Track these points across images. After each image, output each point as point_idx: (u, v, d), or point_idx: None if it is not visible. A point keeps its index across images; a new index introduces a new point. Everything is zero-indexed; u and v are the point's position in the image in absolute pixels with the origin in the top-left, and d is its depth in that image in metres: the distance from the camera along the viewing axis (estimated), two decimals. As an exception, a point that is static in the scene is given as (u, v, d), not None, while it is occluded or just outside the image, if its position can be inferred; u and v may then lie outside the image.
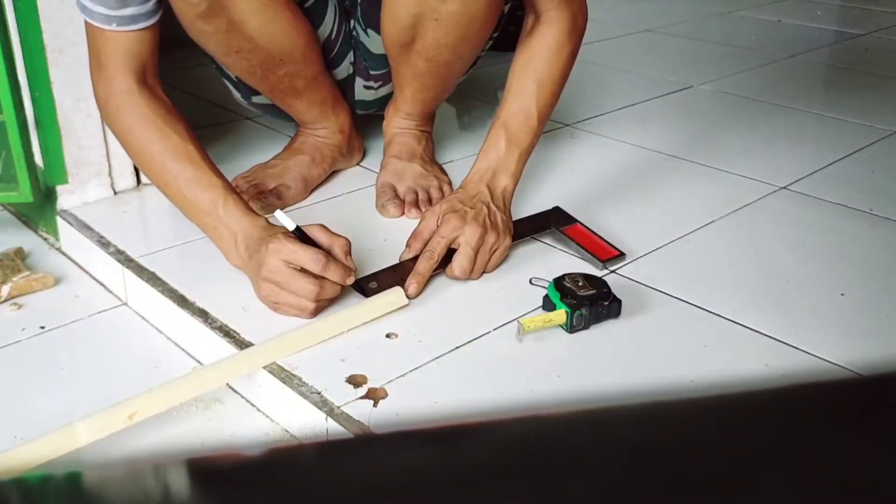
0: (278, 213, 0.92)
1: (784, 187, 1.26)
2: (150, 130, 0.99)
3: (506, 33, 1.24)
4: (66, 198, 1.17)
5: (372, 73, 1.26)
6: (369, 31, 1.21)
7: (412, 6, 1.05)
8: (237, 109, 1.47)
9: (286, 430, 0.84)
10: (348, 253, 0.93)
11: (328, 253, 0.90)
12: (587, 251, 1.03)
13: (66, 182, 1.16)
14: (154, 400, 0.82)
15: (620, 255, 1.03)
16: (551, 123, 1.51)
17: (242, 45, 1.07)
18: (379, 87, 1.28)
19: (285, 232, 0.92)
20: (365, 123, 1.37)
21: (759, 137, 1.48)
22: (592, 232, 1.07)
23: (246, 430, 0.84)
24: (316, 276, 0.89)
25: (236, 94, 1.26)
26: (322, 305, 0.92)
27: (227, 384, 0.89)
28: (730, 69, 1.88)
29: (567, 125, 1.51)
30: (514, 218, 1.06)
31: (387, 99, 1.28)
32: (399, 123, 1.25)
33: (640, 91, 1.71)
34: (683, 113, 1.61)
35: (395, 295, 0.93)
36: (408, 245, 1.02)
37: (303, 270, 0.89)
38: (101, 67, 1.00)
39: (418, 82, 1.17)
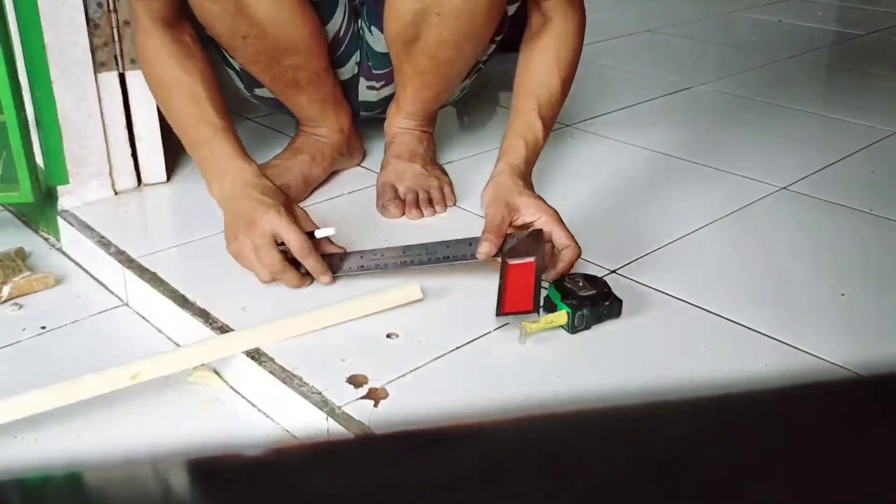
0: (317, 233, 0.98)
1: (784, 187, 1.26)
2: (164, 69, 1.06)
3: (511, 34, 1.24)
4: (66, 198, 1.17)
5: (374, 71, 1.26)
6: (373, 28, 1.21)
7: (415, 2, 1.06)
8: (238, 110, 1.47)
9: (286, 430, 0.84)
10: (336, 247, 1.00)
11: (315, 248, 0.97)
12: (501, 291, 0.89)
13: (66, 182, 1.16)
14: (159, 362, 0.86)
15: (527, 312, 0.86)
16: (551, 123, 1.51)
17: (249, 29, 1.07)
18: (381, 86, 1.28)
19: (287, 202, 0.99)
20: (365, 125, 1.36)
21: (759, 137, 1.48)
22: (536, 277, 0.89)
23: (246, 430, 0.84)
24: (288, 259, 0.96)
25: (239, 85, 1.27)
26: (273, 282, 0.97)
27: (228, 385, 0.89)
28: (730, 69, 1.88)
29: (567, 125, 1.51)
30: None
31: (389, 100, 1.29)
32: (400, 123, 1.25)
33: (640, 91, 1.71)
34: (683, 113, 1.61)
35: (409, 288, 0.93)
36: (486, 239, 0.93)
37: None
38: (132, 12, 1.08)
39: (420, 80, 1.17)
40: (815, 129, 1.55)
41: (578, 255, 0.95)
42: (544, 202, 0.98)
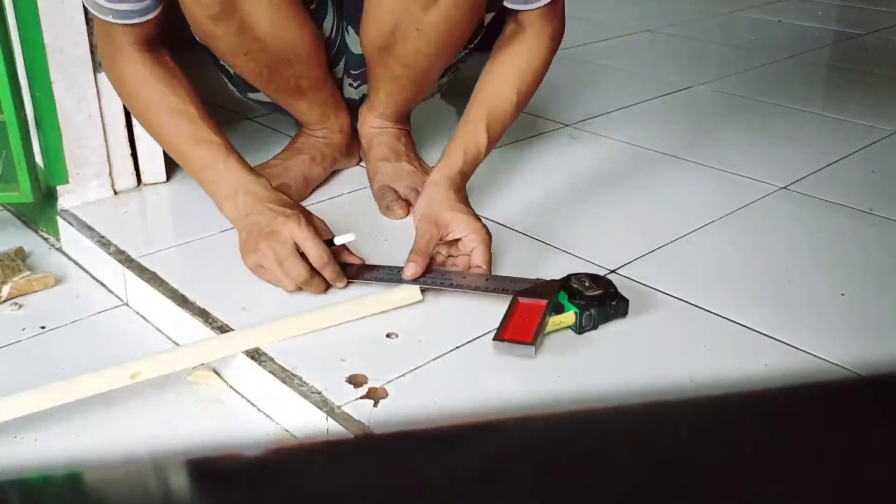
0: (337, 239, 0.97)
1: (784, 187, 1.26)
2: (150, 92, 1.04)
3: (494, 33, 1.24)
4: (66, 198, 1.17)
5: (352, 71, 1.26)
6: (350, 28, 1.20)
7: (394, 11, 1.05)
8: (237, 109, 1.47)
9: (286, 430, 0.84)
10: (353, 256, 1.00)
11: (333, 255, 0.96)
12: (505, 320, 0.87)
13: (66, 182, 1.16)
14: (158, 362, 0.86)
15: (523, 344, 0.84)
16: (551, 123, 1.51)
17: (252, 46, 1.07)
18: (359, 85, 1.28)
19: (305, 213, 0.99)
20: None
21: (759, 137, 1.48)
22: (542, 318, 0.87)
23: (246, 430, 0.85)
24: (312, 268, 0.95)
25: (232, 89, 1.26)
26: (298, 291, 0.96)
27: (228, 385, 0.89)
28: (730, 69, 1.88)
29: (567, 125, 1.51)
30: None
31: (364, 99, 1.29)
32: (374, 123, 1.25)
33: (640, 91, 1.71)
34: (683, 113, 1.61)
35: (410, 290, 0.93)
36: (411, 260, 0.95)
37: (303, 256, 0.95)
38: (108, 36, 1.04)
39: (394, 85, 1.17)
40: (815, 129, 1.55)
41: (467, 271, 0.97)
42: (475, 218, 0.98)
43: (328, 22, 1.19)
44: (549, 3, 1.05)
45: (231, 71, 1.20)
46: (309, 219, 0.98)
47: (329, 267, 0.95)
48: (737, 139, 1.47)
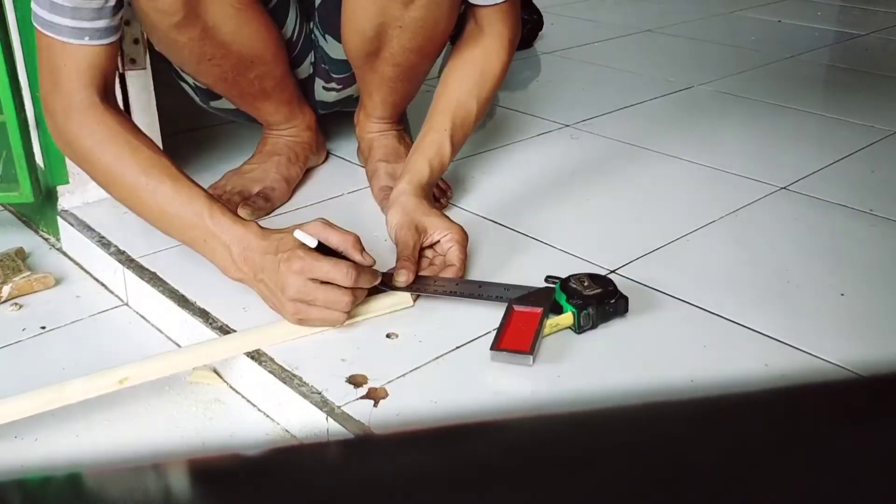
0: (297, 233, 0.87)
1: (784, 187, 1.26)
2: (120, 145, 0.94)
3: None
4: (66, 198, 1.17)
5: (333, 76, 1.26)
6: (327, 36, 1.20)
7: (374, 17, 1.05)
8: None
9: (286, 430, 0.84)
10: (362, 249, 0.89)
11: (347, 258, 0.88)
12: (501, 329, 0.87)
13: (66, 182, 1.16)
14: (146, 368, 0.85)
15: (521, 353, 0.84)
16: (551, 123, 1.51)
17: (215, 51, 1.07)
18: (341, 89, 1.28)
19: (299, 245, 0.87)
20: (326, 121, 1.36)
21: (759, 137, 1.48)
22: (539, 326, 0.87)
23: (246, 430, 0.85)
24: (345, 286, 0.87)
25: (195, 99, 1.26)
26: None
27: (229, 385, 0.89)
28: (730, 69, 1.88)
29: (567, 125, 1.51)
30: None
31: (347, 100, 1.29)
32: (373, 128, 1.25)
33: (640, 91, 1.71)
34: (683, 113, 1.61)
35: (399, 296, 0.93)
36: (402, 267, 0.93)
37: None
38: (58, 84, 0.95)
39: (387, 87, 1.17)
40: (815, 129, 1.55)
41: (460, 278, 0.97)
42: (449, 220, 1.00)
43: (290, 23, 1.19)
44: (508, 1, 1.07)
45: (191, 82, 1.20)
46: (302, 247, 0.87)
47: (361, 276, 0.87)
48: (737, 139, 1.47)
